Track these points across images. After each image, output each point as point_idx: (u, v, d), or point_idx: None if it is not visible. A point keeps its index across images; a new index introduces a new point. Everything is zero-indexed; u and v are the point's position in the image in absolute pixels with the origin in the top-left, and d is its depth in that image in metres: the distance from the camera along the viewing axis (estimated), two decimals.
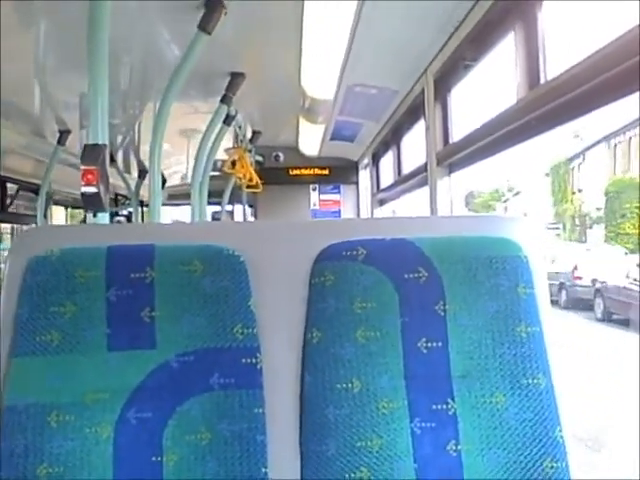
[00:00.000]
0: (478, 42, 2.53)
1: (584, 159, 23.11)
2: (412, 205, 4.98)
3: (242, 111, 4.61)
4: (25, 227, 6.42)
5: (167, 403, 1.16)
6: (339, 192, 7.03)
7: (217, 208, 7.11)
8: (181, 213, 8.83)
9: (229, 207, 7.33)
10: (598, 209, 20.83)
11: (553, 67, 1.95)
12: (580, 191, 23.64)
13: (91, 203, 1.73)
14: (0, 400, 1.16)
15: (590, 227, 21.90)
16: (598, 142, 20.43)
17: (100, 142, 1.82)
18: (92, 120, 1.85)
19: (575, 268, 13.10)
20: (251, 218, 7.24)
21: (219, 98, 3.84)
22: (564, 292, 13.28)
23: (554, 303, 12.92)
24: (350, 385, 1.18)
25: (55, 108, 4.48)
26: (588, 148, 21.99)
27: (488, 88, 2.85)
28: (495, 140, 2.38)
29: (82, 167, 1.71)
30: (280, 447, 1.19)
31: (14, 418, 1.13)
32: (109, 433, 1.14)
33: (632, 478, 4.25)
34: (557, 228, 24.51)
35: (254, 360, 1.20)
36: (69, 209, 8.55)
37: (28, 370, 1.16)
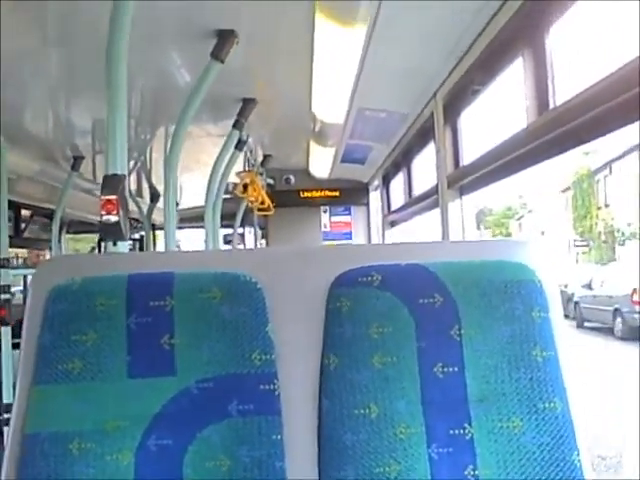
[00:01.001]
0: (486, 67, 2.56)
1: (611, 171, 21.86)
2: (422, 227, 4.99)
3: (253, 135, 4.66)
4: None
5: (187, 430, 1.17)
6: (350, 214, 7.05)
7: (228, 231, 7.15)
8: (185, 236, 8.77)
9: (240, 230, 7.37)
10: (629, 224, 19.92)
11: (562, 92, 1.97)
12: (607, 206, 22.72)
13: (111, 232, 1.75)
14: (22, 428, 1.17)
15: (622, 244, 20.91)
16: (630, 151, 18.58)
17: (119, 172, 1.85)
18: (111, 150, 1.87)
19: (635, 292, 11.08)
20: (261, 241, 7.26)
21: (231, 122, 3.89)
22: (620, 319, 11.35)
23: (608, 332, 11.20)
24: (367, 410, 1.19)
25: (68, 134, 4.54)
26: (615, 159, 20.38)
27: (497, 112, 2.87)
28: (505, 164, 2.39)
29: (102, 197, 1.74)
30: (299, 474, 1.20)
31: (36, 446, 1.15)
32: (130, 460, 1.15)
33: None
34: (586, 245, 23.27)
35: (272, 386, 1.21)
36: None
37: (50, 398, 1.17)
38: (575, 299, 13.93)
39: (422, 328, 1.22)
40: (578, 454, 1.18)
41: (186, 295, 1.23)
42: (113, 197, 1.72)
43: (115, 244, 1.78)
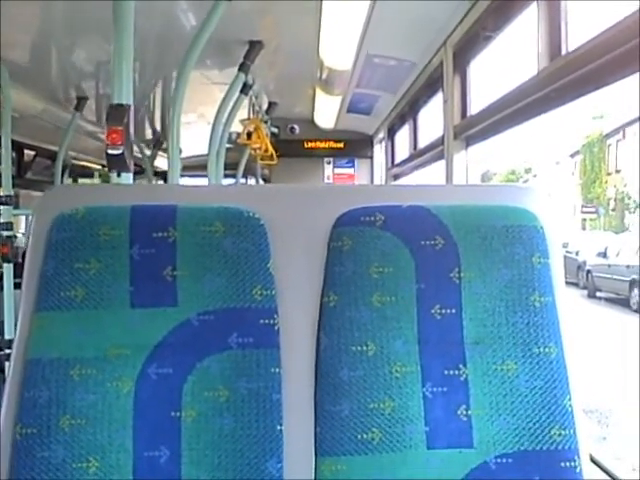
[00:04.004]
0: (499, 12, 2.50)
1: (624, 136, 20.98)
2: (427, 182, 4.97)
3: (259, 81, 4.60)
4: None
5: (187, 360, 1.18)
6: (353, 166, 7.03)
7: (231, 181, 7.13)
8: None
9: (242, 180, 7.34)
10: None
11: (575, 37, 1.93)
12: (618, 171, 21.94)
13: (116, 163, 1.74)
14: (24, 354, 1.18)
15: (633, 212, 20.26)
16: None
17: (124, 102, 1.82)
18: (117, 81, 1.84)
19: None
20: None
21: (235, 69, 3.84)
22: (637, 291, 10.66)
23: (623, 303, 10.60)
24: (365, 348, 1.20)
25: (73, 73, 4.49)
26: (629, 123, 19.64)
27: (507, 60, 2.82)
28: (514, 112, 2.36)
29: (107, 127, 1.72)
30: (295, 406, 1.22)
31: (38, 370, 1.16)
32: (130, 388, 1.16)
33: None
34: (594, 212, 22.66)
35: (272, 321, 1.21)
36: None
37: (52, 324, 1.18)
38: (587, 267, 13.59)
39: (422, 270, 1.22)
40: (570, 399, 1.19)
41: (189, 228, 1.22)
42: (119, 127, 1.71)
43: (119, 175, 1.78)
